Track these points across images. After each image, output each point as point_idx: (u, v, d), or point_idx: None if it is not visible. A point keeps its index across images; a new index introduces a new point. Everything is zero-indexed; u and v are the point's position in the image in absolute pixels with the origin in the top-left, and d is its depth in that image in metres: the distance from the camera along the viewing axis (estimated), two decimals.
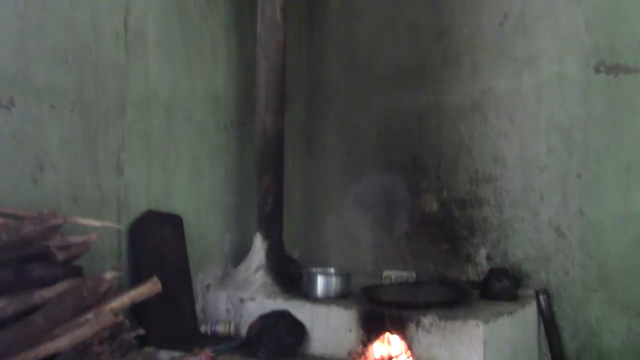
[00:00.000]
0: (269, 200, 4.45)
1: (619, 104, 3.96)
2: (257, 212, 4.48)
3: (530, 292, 4.13)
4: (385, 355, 3.74)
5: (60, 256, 3.18)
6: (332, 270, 4.36)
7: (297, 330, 3.92)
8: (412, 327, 3.62)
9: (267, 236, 4.41)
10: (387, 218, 4.85)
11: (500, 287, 4.00)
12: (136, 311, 3.72)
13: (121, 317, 3.12)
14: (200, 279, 4.46)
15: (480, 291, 4.09)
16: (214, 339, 4.08)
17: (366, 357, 3.76)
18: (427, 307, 3.70)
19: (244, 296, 4.26)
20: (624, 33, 3.96)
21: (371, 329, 3.77)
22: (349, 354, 3.82)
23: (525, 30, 4.33)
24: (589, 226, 4.02)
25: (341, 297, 4.07)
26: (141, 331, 3.39)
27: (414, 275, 4.57)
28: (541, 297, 4.06)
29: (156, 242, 4.06)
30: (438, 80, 4.67)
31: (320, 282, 4.10)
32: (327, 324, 3.92)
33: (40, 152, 3.55)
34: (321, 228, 5.18)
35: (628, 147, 3.92)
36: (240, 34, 4.81)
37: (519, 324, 3.88)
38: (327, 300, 4.03)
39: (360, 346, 3.79)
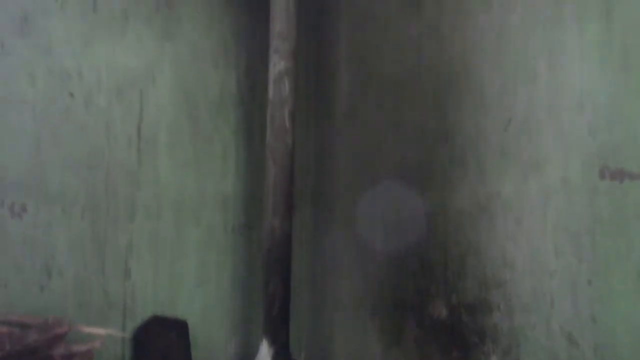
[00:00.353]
0: (275, 304, 4.40)
1: (626, 210, 3.96)
2: (263, 316, 4.42)
3: None
4: None
5: None
6: None
7: None
8: None
9: (273, 341, 4.33)
10: (395, 323, 4.77)
11: None
12: None
13: None
14: None
15: None
16: None
17: None
18: None
19: None
20: (627, 138, 4.02)
21: None
22: None
23: (529, 134, 4.41)
24: (601, 334, 3.93)
25: None
26: None
27: None
28: None
29: (160, 348, 3.99)
30: (444, 181, 4.72)
31: None
32: None
33: (48, 258, 3.56)
34: (328, 332, 5.09)
35: (638, 254, 3.89)
36: (249, 137, 4.92)
37: None
38: None
39: None
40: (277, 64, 4.70)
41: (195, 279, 4.40)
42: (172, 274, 4.24)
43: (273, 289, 4.41)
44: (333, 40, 5.37)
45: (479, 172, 4.58)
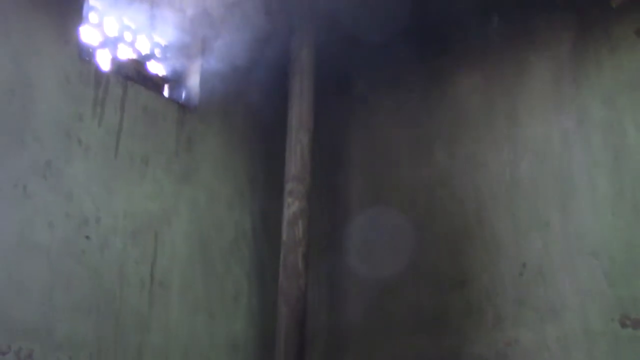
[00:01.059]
0: None
1: None
2: None
3: None
4: None
5: None
6: None
7: None
8: None
9: None
10: None
11: None
12: None
13: None
14: None
15: None
16: None
17: None
18: None
19: None
20: None
21: None
22: None
23: (545, 281, 4.35)
24: None
25: None
26: None
27: None
28: None
29: None
30: (460, 328, 4.59)
31: None
32: None
33: None
34: None
35: None
36: (262, 280, 4.88)
37: None
38: None
39: None
40: (292, 206, 4.77)
41: None
42: None
43: None
44: (346, 182, 5.45)
45: (496, 319, 4.47)
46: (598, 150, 4.34)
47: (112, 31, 4.62)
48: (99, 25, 4.55)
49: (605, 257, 4.13)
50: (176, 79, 4.96)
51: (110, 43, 4.59)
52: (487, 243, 4.62)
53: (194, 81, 4.92)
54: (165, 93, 4.86)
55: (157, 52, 4.93)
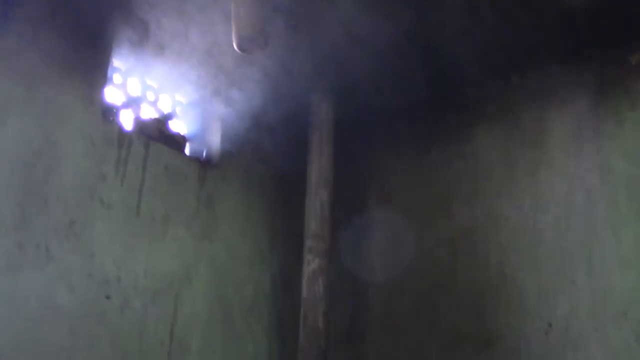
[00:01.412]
0: None
1: None
2: None
3: None
4: None
5: None
6: None
7: None
8: None
9: None
10: None
11: None
12: None
13: None
14: None
15: None
16: None
17: None
18: None
19: None
20: None
21: None
22: None
23: (572, 341, 4.23)
24: None
25: None
26: None
27: None
28: None
29: None
30: None
31: None
32: None
33: None
34: None
35: None
36: (282, 339, 4.81)
37: None
38: None
39: None
40: (312, 263, 4.72)
41: None
42: None
43: None
44: (367, 239, 5.39)
45: None
46: (623, 206, 4.27)
47: (135, 91, 4.71)
48: (123, 86, 4.63)
49: (634, 317, 4.02)
50: (197, 137, 5.00)
51: (133, 103, 4.66)
52: (512, 301, 4.53)
53: (214, 139, 4.96)
54: (187, 151, 4.90)
55: (178, 110, 4.99)
